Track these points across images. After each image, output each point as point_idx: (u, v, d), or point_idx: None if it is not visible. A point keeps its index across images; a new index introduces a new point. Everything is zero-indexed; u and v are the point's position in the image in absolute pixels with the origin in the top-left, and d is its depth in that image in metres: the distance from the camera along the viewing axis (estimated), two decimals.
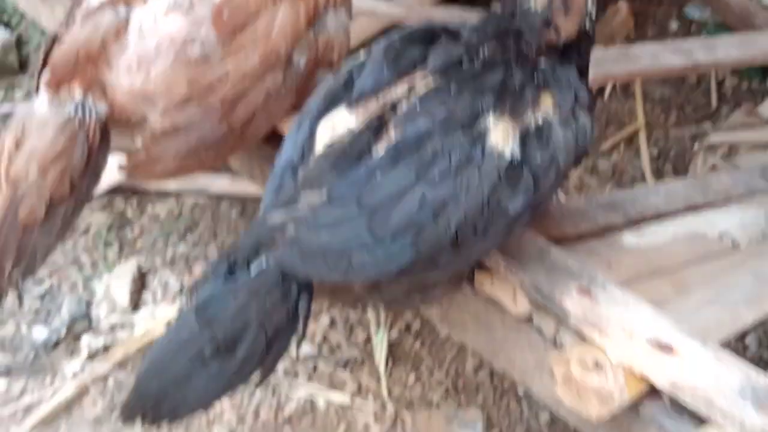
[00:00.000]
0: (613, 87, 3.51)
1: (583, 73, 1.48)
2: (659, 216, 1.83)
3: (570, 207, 1.79)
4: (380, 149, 1.31)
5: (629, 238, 1.68)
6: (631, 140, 3.38)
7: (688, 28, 3.74)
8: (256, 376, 1.32)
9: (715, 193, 2.01)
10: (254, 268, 1.27)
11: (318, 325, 2.62)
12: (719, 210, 1.87)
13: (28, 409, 2.35)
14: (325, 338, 2.61)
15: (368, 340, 2.60)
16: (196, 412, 1.32)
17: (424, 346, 2.62)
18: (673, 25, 3.77)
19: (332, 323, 2.65)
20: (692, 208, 1.89)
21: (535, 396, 1.52)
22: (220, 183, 3.02)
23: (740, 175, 2.26)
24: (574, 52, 1.46)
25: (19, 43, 3.50)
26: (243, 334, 1.24)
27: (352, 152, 1.32)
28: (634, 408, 1.33)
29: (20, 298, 1.76)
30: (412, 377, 2.53)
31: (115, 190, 2.99)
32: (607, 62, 2.34)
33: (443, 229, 1.25)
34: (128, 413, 1.30)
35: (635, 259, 1.64)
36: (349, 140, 1.34)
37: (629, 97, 3.51)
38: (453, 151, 1.26)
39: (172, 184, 3.05)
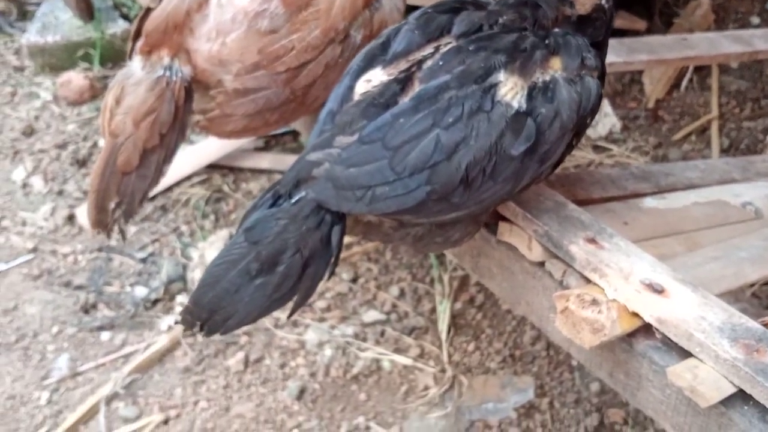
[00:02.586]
0: (690, 80, 3.54)
1: (599, 46, 1.60)
2: (690, 188, 1.91)
3: (602, 174, 1.89)
4: (405, 99, 1.46)
5: (649, 201, 1.76)
6: (704, 131, 3.41)
7: None
8: (293, 302, 1.46)
9: (756, 174, 2.06)
10: (295, 198, 1.43)
11: (388, 294, 2.81)
12: (747, 183, 1.92)
13: (126, 358, 2.61)
14: (394, 306, 2.78)
15: (433, 310, 2.76)
16: (244, 324, 1.47)
17: (485, 317, 2.76)
18: (755, 19, 3.74)
19: (401, 293, 2.83)
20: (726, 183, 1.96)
21: (549, 336, 1.65)
22: None
23: None
24: (589, 26, 1.59)
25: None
26: (282, 253, 1.40)
27: (380, 101, 1.48)
28: (628, 343, 1.45)
29: (123, 236, 2.00)
30: (472, 345, 2.67)
31: (213, 167, 3.29)
32: (662, 48, 2.40)
33: (455, 169, 1.38)
34: (187, 321, 1.47)
35: (652, 220, 1.72)
36: (379, 91, 1.50)
37: (705, 89, 3.53)
38: (466, 100, 1.40)
39: (264, 163, 3.31)
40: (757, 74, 3.56)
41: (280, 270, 1.41)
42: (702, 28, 3.49)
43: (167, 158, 1.91)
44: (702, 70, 3.60)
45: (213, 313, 1.44)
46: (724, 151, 3.29)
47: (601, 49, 1.61)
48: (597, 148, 3.38)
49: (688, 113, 3.50)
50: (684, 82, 3.54)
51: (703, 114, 3.46)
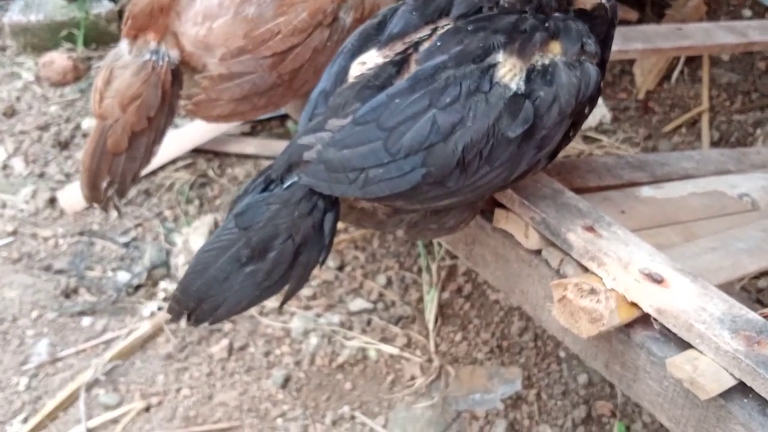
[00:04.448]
0: (681, 71, 3.53)
1: (601, 44, 1.56)
2: (686, 178, 1.89)
3: (598, 162, 1.86)
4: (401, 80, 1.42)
5: (647, 190, 1.74)
6: (694, 123, 3.39)
7: (762, 16, 3.70)
8: (284, 291, 1.43)
9: (750, 165, 2.04)
10: (287, 183, 1.40)
11: (375, 283, 2.77)
12: (743, 175, 1.90)
13: (108, 344, 2.56)
14: (380, 295, 2.75)
15: (421, 299, 2.73)
16: (234, 314, 1.44)
17: (473, 308, 2.73)
18: (747, 12, 3.74)
19: (388, 282, 2.79)
20: (721, 174, 1.94)
21: (543, 326, 1.62)
22: None
23: None
24: (589, 22, 1.52)
25: (121, 13, 3.75)
26: (274, 239, 1.36)
27: (375, 84, 1.44)
28: (626, 334, 1.42)
29: (119, 213, 2.02)
30: (459, 336, 2.64)
31: (198, 152, 3.23)
32: (657, 37, 2.38)
33: (451, 151, 1.34)
34: (174, 310, 1.43)
35: (649, 209, 1.69)
36: (374, 74, 1.46)
37: (696, 81, 3.52)
38: (464, 81, 1.36)
39: (250, 148, 3.26)
40: (748, 67, 3.55)
41: (271, 257, 1.37)
42: (694, 19, 3.48)
43: (156, 140, 1.92)
44: (693, 62, 3.59)
45: (201, 302, 1.39)
46: (714, 144, 3.27)
47: (603, 44, 1.57)
48: (587, 139, 3.36)
49: (678, 105, 3.48)
50: (675, 74, 3.53)
51: (694, 106, 3.44)
